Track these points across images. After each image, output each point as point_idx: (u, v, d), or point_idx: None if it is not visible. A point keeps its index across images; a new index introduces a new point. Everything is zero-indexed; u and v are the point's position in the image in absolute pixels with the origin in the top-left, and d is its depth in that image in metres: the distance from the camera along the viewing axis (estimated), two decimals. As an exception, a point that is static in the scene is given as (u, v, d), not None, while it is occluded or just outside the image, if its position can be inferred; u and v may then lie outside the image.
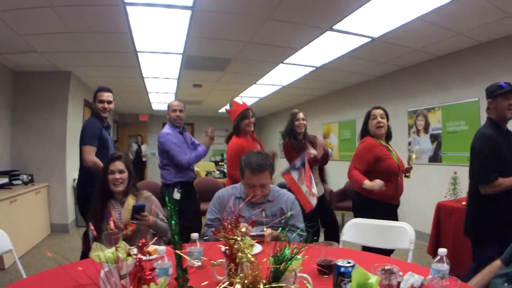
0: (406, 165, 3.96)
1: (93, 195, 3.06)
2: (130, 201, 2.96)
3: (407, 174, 3.91)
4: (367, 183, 3.53)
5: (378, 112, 3.88)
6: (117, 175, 2.94)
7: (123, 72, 7.44)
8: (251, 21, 4.74)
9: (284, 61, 6.70)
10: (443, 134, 6.27)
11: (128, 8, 4.23)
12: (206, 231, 2.76)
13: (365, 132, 4.02)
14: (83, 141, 3.95)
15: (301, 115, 4.82)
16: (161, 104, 11.64)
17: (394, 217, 3.72)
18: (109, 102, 4.14)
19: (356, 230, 2.91)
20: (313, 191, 4.20)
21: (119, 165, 2.99)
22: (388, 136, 4.02)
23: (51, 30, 4.87)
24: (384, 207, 3.63)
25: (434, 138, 6.44)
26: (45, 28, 4.80)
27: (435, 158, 6.38)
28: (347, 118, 9.29)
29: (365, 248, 2.95)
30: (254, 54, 6.26)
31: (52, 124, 7.14)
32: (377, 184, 3.47)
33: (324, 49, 5.94)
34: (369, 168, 3.72)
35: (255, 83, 8.76)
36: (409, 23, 4.71)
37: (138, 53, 6.06)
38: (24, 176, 6.47)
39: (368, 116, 3.98)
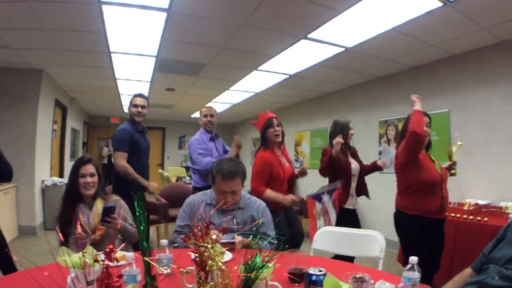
0: (448, 163, 3.75)
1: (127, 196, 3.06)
2: (99, 205, 2.91)
3: (452, 172, 3.65)
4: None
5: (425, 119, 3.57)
6: (88, 179, 2.89)
7: (95, 73, 7.32)
8: (227, 27, 4.72)
9: (258, 68, 6.70)
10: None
11: (104, 7, 4.16)
12: (176, 238, 2.71)
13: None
14: (114, 147, 4.24)
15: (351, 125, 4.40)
16: (133, 107, 11.51)
17: (441, 233, 3.53)
18: (142, 107, 4.37)
19: (327, 238, 2.90)
20: (331, 223, 4.01)
21: (90, 168, 2.93)
22: (428, 145, 3.71)
23: (25, 26, 4.77)
24: (430, 222, 3.36)
25: (405, 147, 6.49)
26: (19, 24, 4.70)
27: (405, 167, 6.43)
28: (319, 126, 9.33)
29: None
30: (228, 60, 6.24)
31: (22, 123, 6.94)
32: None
33: (298, 57, 5.96)
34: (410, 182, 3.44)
35: (228, 89, 8.74)
36: (383, 34, 4.76)
37: (112, 54, 5.98)
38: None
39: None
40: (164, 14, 4.34)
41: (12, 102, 6.92)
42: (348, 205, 4.19)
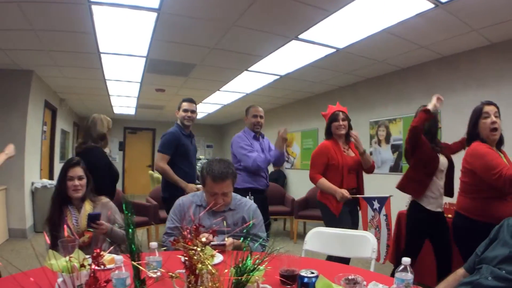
0: None
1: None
2: (87, 207, 2.88)
3: None
4: None
5: (492, 109, 3.00)
6: (77, 182, 2.87)
7: (85, 73, 7.26)
8: (217, 27, 4.71)
9: (249, 69, 6.69)
10: (403, 145, 6.36)
11: (93, 7, 4.13)
12: (166, 240, 2.68)
13: (473, 135, 3.10)
14: (158, 148, 4.37)
15: None
16: (123, 107, 11.47)
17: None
18: (192, 112, 4.50)
19: (319, 239, 2.88)
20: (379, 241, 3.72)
21: (78, 171, 2.91)
22: (500, 142, 3.11)
23: (14, 27, 4.72)
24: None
25: (395, 148, 6.53)
26: (9, 24, 4.65)
27: (396, 168, 6.47)
28: (309, 127, 9.33)
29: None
30: (218, 61, 6.22)
31: (11, 124, 6.86)
32: None
33: (289, 58, 5.96)
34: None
35: (219, 90, 8.71)
36: (374, 35, 4.78)
37: (101, 55, 5.94)
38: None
39: (478, 115, 3.06)
40: (154, 14, 4.32)
41: (1, 103, 6.84)
42: (434, 208, 3.62)
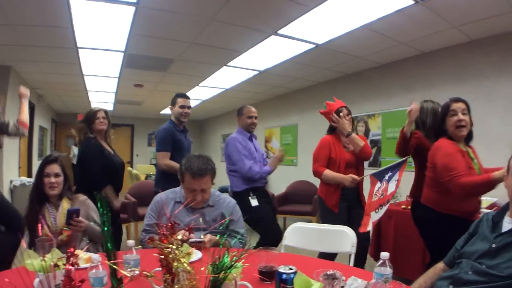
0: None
1: None
2: (65, 205, 2.84)
3: None
4: (497, 174, 2.56)
5: (460, 106, 3.01)
6: (53, 179, 2.82)
7: (63, 69, 7.16)
8: (196, 21, 4.67)
9: (228, 64, 6.66)
10: (382, 139, 6.42)
11: (71, 1, 4.07)
12: (144, 237, 2.65)
13: (440, 131, 3.10)
14: (156, 148, 4.30)
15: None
16: (101, 103, 11.31)
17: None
18: (188, 108, 4.47)
19: (298, 234, 2.88)
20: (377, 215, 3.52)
21: (55, 168, 2.87)
22: (469, 137, 3.14)
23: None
24: (460, 222, 2.84)
25: (374, 143, 6.57)
26: None
27: (374, 162, 6.51)
28: (289, 122, 9.35)
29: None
30: (197, 56, 6.19)
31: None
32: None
33: (268, 53, 5.94)
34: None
35: (198, 85, 8.67)
36: (354, 31, 4.79)
37: (79, 49, 5.86)
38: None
39: (445, 111, 3.07)
40: (133, 8, 4.26)
41: None
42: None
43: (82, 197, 3.01)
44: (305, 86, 8.52)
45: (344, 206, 3.81)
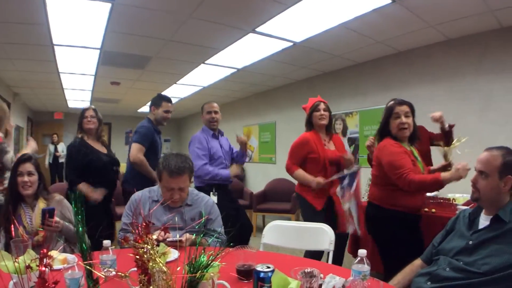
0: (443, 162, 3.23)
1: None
2: (41, 205, 2.80)
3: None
4: (445, 175, 2.75)
5: (403, 109, 3.14)
6: (26, 178, 2.77)
7: (39, 66, 7.05)
8: (173, 19, 4.64)
9: (205, 62, 6.63)
10: (360, 137, 6.47)
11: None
12: (122, 237, 2.62)
13: (385, 132, 3.23)
14: (135, 139, 4.22)
15: None
16: (77, 101, 11.17)
17: (419, 229, 3.25)
18: (171, 112, 4.51)
19: (276, 232, 2.88)
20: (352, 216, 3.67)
21: (28, 167, 2.82)
22: (413, 138, 3.27)
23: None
24: (412, 219, 3.09)
25: (352, 141, 6.62)
26: None
27: (352, 161, 6.56)
28: (267, 120, 9.36)
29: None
30: (175, 53, 6.15)
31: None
32: (461, 168, 2.71)
33: (246, 51, 5.94)
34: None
35: (176, 83, 8.62)
36: (331, 30, 4.81)
37: (55, 47, 5.77)
38: None
39: (389, 114, 3.20)
40: (109, 5, 4.21)
41: None
42: None
43: (58, 196, 2.97)
44: (283, 84, 8.55)
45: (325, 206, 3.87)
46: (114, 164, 4.20)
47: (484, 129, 4.61)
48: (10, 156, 3.44)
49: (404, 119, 3.07)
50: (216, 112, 4.54)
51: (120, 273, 1.31)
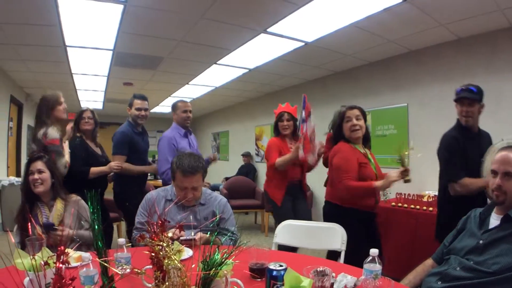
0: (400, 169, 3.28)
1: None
2: (59, 206, 2.84)
3: (406, 179, 3.17)
4: (378, 183, 3.12)
5: (353, 113, 3.39)
6: (36, 175, 2.81)
7: (51, 67, 7.11)
8: (185, 20, 4.66)
9: (217, 62, 6.65)
10: (372, 137, 6.43)
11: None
12: (136, 235, 2.65)
13: (339, 136, 3.48)
14: (113, 151, 4.27)
15: None
16: (90, 102, 11.25)
17: (374, 226, 3.48)
18: (145, 110, 4.44)
19: (289, 232, 2.90)
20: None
21: (38, 165, 2.86)
22: (366, 139, 3.56)
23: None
24: (362, 215, 3.28)
25: (364, 141, 6.61)
26: None
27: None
28: (279, 120, 9.32)
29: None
30: (187, 54, 6.18)
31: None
32: (391, 177, 3.10)
33: (258, 51, 5.95)
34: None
35: (188, 83, 8.65)
36: (342, 29, 4.81)
37: (68, 48, 5.82)
38: None
39: (341, 118, 3.45)
40: (121, 7, 4.25)
41: None
42: None
43: (75, 197, 3.00)
44: (294, 84, 8.54)
45: (288, 199, 4.20)
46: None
47: (494, 129, 4.58)
48: (65, 161, 3.53)
49: (355, 121, 3.32)
50: (190, 111, 4.65)
51: (136, 270, 1.34)
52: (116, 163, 4.06)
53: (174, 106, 4.65)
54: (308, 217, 4.26)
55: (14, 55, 6.23)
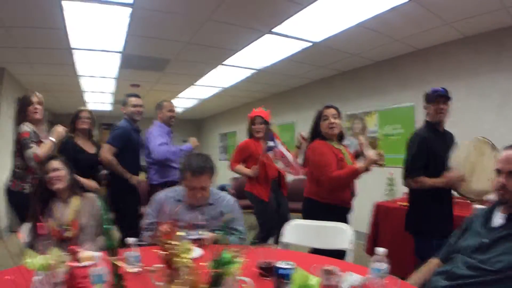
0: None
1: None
2: (75, 202, 2.89)
3: (380, 163, 3.29)
4: (360, 165, 3.22)
5: (330, 112, 3.51)
6: (52, 173, 2.85)
7: (58, 70, 7.16)
8: (191, 21, 4.70)
9: (224, 63, 6.68)
10: (379, 136, 6.45)
11: (64, 2, 4.08)
12: (144, 235, 2.68)
13: (315, 134, 3.62)
14: (108, 139, 4.34)
15: None
16: (97, 104, 11.31)
17: (346, 220, 3.47)
18: (141, 106, 4.62)
19: (296, 231, 2.92)
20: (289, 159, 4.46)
21: (54, 163, 2.91)
22: (341, 137, 3.71)
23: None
24: (339, 210, 3.41)
25: (372, 140, 6.60)
26: None
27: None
28: (286, 121, 9.36)
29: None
30: (193, 55, 6.21)
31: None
32: (371, 157, 3.17)
33: (264, 51, 5.96)
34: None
35: (194, 84, 8.69)
36: (349, 29, 4.83)
37: (74, 50, 5.86)
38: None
39: (319, 117, 3.58)
40: (129, 9, 4.29)
41: None
42: None
43: (91, 195, 3.06)
44: (301, 84, 8.55)
45: (271, 196, 4.69)
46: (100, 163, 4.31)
47: (502, 126, 4.58)
48: (30, 152, 3.54)
49: (332, 120, 3.45)
50: (175, 111, 4.86)
51: (147, 267, 1.36)
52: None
53: (160, 105, 4.81)
54: (288, 209, 5.01)
55: (20, 58, 6.27)
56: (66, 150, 3.97)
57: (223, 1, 4.10)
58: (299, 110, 8.79)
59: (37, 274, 1.53)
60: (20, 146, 3.61)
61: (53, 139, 3.73)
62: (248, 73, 7.47)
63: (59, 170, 2.89)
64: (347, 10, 4.32)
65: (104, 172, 4.35)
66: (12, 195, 3.71)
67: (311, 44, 5.51)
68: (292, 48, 5.76)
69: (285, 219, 4.38)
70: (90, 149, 4.23)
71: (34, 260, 1.54)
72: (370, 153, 3.19)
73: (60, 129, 3.89)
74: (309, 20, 4.60)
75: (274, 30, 4.94)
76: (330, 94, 7.60)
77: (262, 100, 10.41)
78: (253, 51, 5.92)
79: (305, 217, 3.41)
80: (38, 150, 3.58)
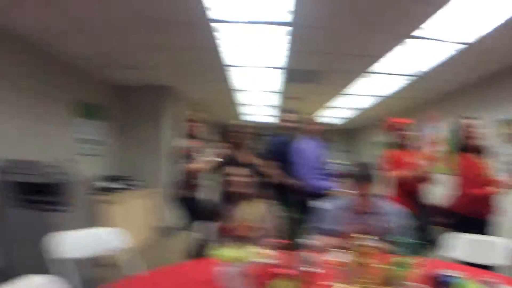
0: None
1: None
2: (258, 206, 3.25)
3: None
4: None
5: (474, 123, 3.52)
6: (235, 178, 3.30)
7: (218, 86, 7.88)
8: (342, 33, 4.85)
9: (368, 70, 6.57)
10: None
11: (218, 24, 4.54)
12: (313, 238, 2.78)
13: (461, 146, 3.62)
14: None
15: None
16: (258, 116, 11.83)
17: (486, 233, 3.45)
18: (290, 121, 4.90)
19: (454, 245, 2.91)
20: None
21: (241, 171, 3.34)
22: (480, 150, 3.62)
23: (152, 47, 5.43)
24: (481, 223, 3.38)
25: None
26: (151, 47, 5.43)
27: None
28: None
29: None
30: (344, 65, 6.31)
31: (156, 136, 7.82)
32: None
33: (415, 56, 5.70)
34: None
35: (345, 94, 8.68)
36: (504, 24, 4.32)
37: (233, 68, 6.44)
38: (136, 181, 7.16)
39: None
40: (287, 28, 4.55)
41: (147, 118, 7.80)
42: None
43: (269, 201, 3.38)
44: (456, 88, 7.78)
45: None
46: None
47: None
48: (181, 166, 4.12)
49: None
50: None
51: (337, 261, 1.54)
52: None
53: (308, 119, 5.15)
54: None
55: (188, 78, 7.20)
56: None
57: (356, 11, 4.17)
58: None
59: (225, 265, 1.75)
60: (183, 158, 4.14)
61: (217, 159, 4.14)
62: (405, 79, 7.14)
63: (245, 177, 3.26)
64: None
65: None
66: (183, 201, 4.32)
67: (466, 46, 5.07)
68: (443, 51, 5.41)
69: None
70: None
71: (225, 252, 1.77)
72: None
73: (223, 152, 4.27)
74: (453, 21, 4.28)
75: (413, 34, 4.72)
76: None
77: (415, 107, 9.74)
78: (403, 56, 5.66)
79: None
80: (196, 165, 4.09)
